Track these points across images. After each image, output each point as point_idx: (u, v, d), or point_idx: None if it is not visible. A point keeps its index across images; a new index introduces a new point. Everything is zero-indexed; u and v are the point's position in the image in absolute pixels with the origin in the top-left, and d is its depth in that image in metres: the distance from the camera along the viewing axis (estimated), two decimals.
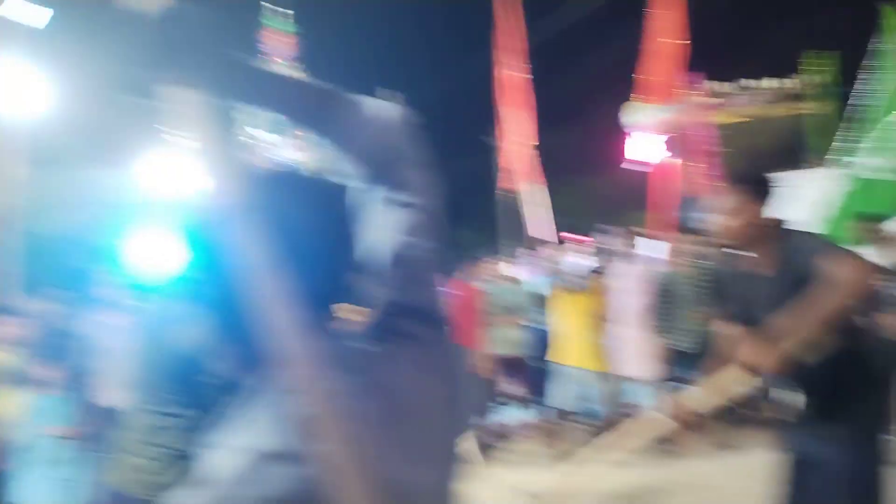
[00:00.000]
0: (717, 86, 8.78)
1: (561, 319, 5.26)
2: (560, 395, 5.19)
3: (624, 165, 9.31)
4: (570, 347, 5.14)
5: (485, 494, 4.60)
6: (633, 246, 5.57)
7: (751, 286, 2.30)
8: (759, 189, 2.26)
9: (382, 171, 0.94)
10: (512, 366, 5.83)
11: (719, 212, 2.30)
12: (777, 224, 2.26)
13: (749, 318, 2.28)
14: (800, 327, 1.98)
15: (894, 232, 4.34)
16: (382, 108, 0.96)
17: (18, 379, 4.03)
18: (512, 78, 10.99)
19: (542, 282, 6.63)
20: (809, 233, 2.29)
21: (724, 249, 2.48)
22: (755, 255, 2.28)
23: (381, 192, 0.95)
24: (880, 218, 5.14)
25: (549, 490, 4.57)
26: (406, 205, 0.94)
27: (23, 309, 5.43)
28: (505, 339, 5.60)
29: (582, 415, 6.25)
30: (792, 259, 2.15)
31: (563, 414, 5.28)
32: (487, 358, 5.53)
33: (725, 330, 2.40)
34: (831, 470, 2.10)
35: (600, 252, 6.52)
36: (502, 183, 11.74)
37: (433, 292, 0.97)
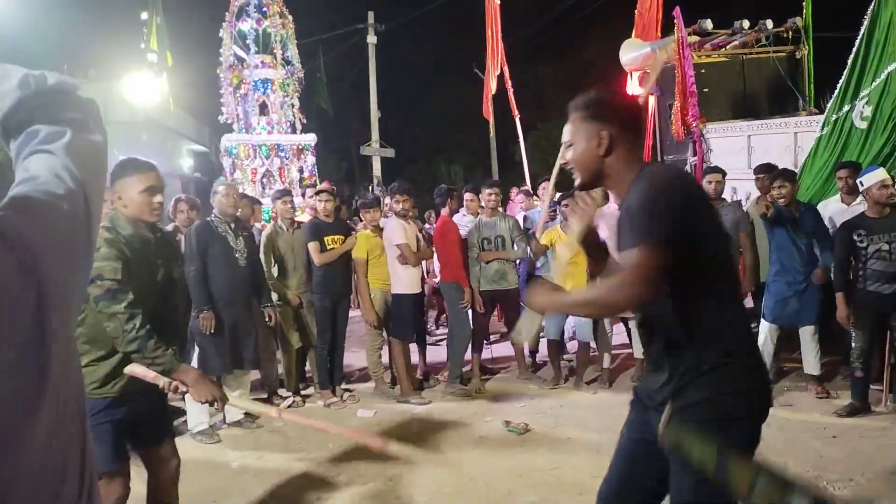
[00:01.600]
0: (705, 24, 8.67)
1: (551, 255, 5.38)
2: (550, 328, 5.36)
3: None
4: (560, 282, 5.27)
5: (476, 427, 4.81)
6: None
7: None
8: (603, 115, 1.87)
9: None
10: (502, 300, 5.95)
11: (566, 142, 1.95)
12: (630, 158, 1.87)
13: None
14: (580, 301, 1.90)
15: (883, 181, 4.44)
16: None
17: None
18: (498, 9, 10.71)
19: (533, 217, 6.71)
20: (659, 172, 1.84)
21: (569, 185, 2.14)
22: (606, 191, 2.00)
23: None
24: (861, 168, 5.28)
25: (538, 422, 4.79)
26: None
27: None
28: (495, 275, 5.69)
29: (569, 348, 6.51)
30: (626, 201, 1.79)
31: (553, 346, 5.47)
32: (477, 293, 5.64)
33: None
34: None
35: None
36: (489, 116, 11.56)
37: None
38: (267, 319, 5.13)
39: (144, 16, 14.29)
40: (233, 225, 4.86)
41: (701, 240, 1.74)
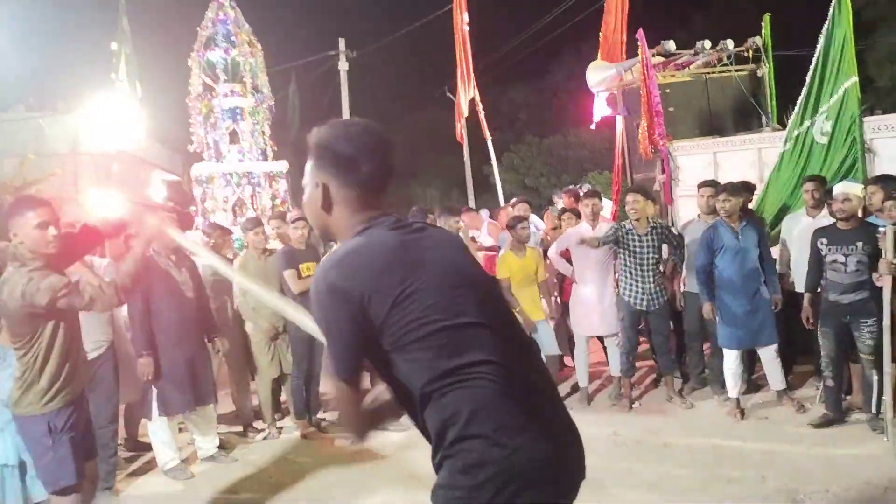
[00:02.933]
0: (668, 45, 8.86)
1: (512, 276, 5.34)
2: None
3: (591, 126, 9.41)
4: (523, 301, 5.29)
5: None
6: (592, 206, 5.68)
7: None
8: (322, 162, 1.53)
9: None
10: None
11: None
12: (349, 224, 1.52)
13: None
14: None
15: (838, 195, 4.54)
16: None
17: None
18: (466, 33, 10.86)
19: (502, 240, 6.71)
20: (322, 268, 1.49)
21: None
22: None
23: None
24: (825, 182, 5.40)
25: None
26: None
27: None
28: None
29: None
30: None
31: None
32: None
33: None
34: None
35: (561, 211, 6.64)
36: (462, 139, 11.63)
37: None
38: (216, 352, 4.93)
39: (113, 46, 14.23)
40: (174, 257, 4.55)
41: (400, 325, 1.40)
